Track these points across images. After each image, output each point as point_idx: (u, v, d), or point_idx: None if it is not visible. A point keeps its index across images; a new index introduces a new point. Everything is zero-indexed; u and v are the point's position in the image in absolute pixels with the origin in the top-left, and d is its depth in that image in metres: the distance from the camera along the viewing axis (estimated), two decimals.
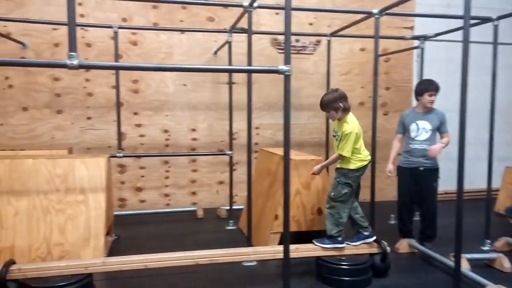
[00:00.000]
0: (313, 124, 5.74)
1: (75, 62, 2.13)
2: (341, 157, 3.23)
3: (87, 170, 3.52)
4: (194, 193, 5.51)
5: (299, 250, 3.15)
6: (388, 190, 5.52)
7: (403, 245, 3.84)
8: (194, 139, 5.46)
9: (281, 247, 2.88)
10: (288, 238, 2.65)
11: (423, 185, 3.75)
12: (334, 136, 3.34)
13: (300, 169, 3.66)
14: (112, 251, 3.76)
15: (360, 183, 3.39)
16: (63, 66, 2.15)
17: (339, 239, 3.24)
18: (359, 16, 4.07)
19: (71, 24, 2.12)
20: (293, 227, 3.51)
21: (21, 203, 3.33)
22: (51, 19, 4.67)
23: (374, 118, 3.64)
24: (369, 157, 3.35)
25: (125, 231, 4.37)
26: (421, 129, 3.74)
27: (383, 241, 3.28)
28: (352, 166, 3.23)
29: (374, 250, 3.28)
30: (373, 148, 3.64)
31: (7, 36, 4.59)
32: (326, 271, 3.12)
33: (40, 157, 3.54)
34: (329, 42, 5.21)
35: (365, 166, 3.29)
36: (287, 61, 2.45)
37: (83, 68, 2.24)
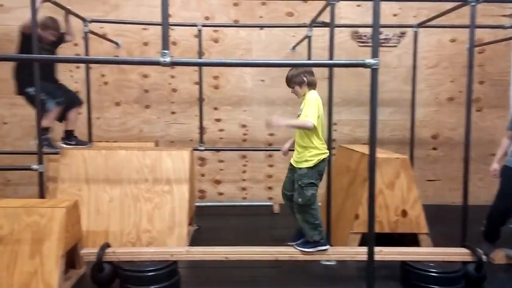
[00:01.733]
0: (396, 121, 5.51)
1: (167, 59, 2.25)
2: (310, 125, 2.85)
3: (172, 162, 3.71)
4: (270, 188, 5.56)
5: (382, 253, 3.02)
6: (480, 193, 5.12)
7: (499, 256, 3.47)
8: (271, 134, 5.51)
9: (363, 249, 2.81)
10: (373, 240, 2.57)
11: None
12: (299, 115, 3.04)
13: (383, 168, 3.52)
14: (194, 240, 3.92)
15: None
16: (156, 63, 2.28)
17: (322, 241, 3.04)
18: (450, 5, 3.80)
19: (165, 24, 2.24)
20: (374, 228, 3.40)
21: (114, 191, 3.60)
22: (142, 19, 4.99)
23: (468, 114, 3.31)
24: (327, 151, 3.08)
25: (205, 222, 4.53)
26: None
27: (478, 249, 3.02)
28: (310, 163, 2.97)
29: (468, 258, 3.02)
30: (466, 147, 3.37)
31: (103, 37, 4.98)
32: (413, 278, 2.93)
33: (131, 148, 3.79)
34: (415, 34, 4.95)
35: (324, 160, 3.03)
36: (374, 54, 2.36)
37: (174, 65, 2.36)
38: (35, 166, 3.60)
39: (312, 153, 2.98)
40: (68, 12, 4.19)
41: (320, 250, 3.03)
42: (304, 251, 3.03)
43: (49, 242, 2.69)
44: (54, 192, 3.82)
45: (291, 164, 3.15)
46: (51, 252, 2.68)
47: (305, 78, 3.02)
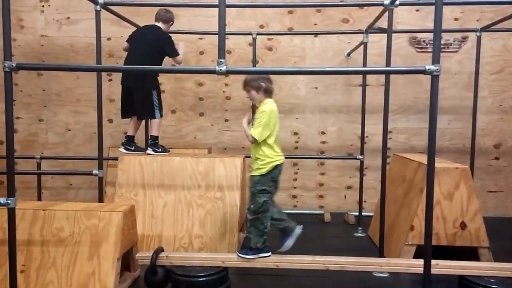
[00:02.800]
0: (455, 129, 5.24)
1: (223, 68, 2.29)
2: (252, 139, 2.93)
3: (225, 169, 3.76)
4: (321, 196, 5.48)
5: (439, 266, 2.88)
6: None
7: None
8: (323, 142, 5.43)
9: (418, 261, 2.73)
10: (430, 252, 2.45)
11: None
12: (253, 125, 3.01)
13: (442, 178, 3.35)
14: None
15: (278, 186, 3.09)
16: (213, 72, 2.32)
17: (265, 248, 3.04)
18: None
19: (221, 34, 2.27)
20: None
21: (169, 196, 3.69)
22: (198, 29, 5.12)
23: None
24: (282, 157, 3.02)
25: None
26: None
27: None
28: (262, 171, 2.97)
29: None
30: None
31: None
32: None
33: (185, 155, 3.89)
34: (478, 38, 4.69)
35: (277, 166, 2.99)
36: (435, 61, 2.26)
37: (229, 73, 2.40)
38: (95, 172, 3.79)
39: (264, 162, 3.00)
40: (129, 22, 4.39)
41: (261, 257, 3.04)
42: (246, 257, 3.03)
43: (107, 245, 2.80)
44: (112, 196, 3.98)
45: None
46: (108, 254, 2.79)
47: (262, 84, 3.00)
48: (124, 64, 4.09)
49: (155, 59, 4.02)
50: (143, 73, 3.95)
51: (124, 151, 4.06)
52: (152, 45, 4.02)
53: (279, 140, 3.13)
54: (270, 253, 3.08)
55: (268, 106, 3.01)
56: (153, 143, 4.06)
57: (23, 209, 2.86)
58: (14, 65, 2.35)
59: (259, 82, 3.01)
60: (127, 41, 4.20)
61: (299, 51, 5.35)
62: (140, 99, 4.04)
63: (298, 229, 3.13)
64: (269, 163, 3.00)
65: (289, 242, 3.10)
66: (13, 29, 2.39)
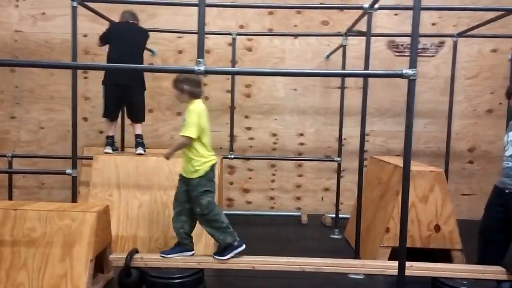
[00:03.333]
0: (431, 133, 5.34)
1: (202, 68, 2.26)
2: (186, 140, 2.92)
3: None
4: (298, 198, 5.50)
5: (413, 268, 2.91)
6: None
7: None
8: (302, 143, 5.45)
9: (393, 263, 2.76)
10: (405, 254, 2.48)
11: (508, 213, 2.97)
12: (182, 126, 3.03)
13: (417, 181, 3.40)
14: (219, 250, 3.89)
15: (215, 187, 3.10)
16: (191, 72, 2.30)
17: (236, 243, 3.00)
18: (493, 14, 3.66)
19: (201, 33, 2.25)
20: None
21: (144, 197, 3.63)
22: (177, 28, 5.06)
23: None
24: (215, 157, 3.06)
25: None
26: (509, 141, 3.04)
27: None
28: (200, 172, 2.96)
29: (503, 276, 2.90)
30: None
31: None
32: None
33: (162, 155, 3.82)
34: (455, 43, 4.80)
35: (213, 166, 3.03)
36: (412, 65, 2.29)
37: (208, 73, 2.37)
38: (69, 171, 3.70)
39: (199, 162, 2.98)
40: (106, 19, 4.31)
41: (238, 253, 3.00)
42: (222, 259, 2.98)
43: (79, 246, 2.73)
44: (86, 196, 3.90)
45: (181, 175, 3.09)
46: (81, 255, 2.72)
47: (186, 87, 3.00)
48: (109, 63, 3.99)
49: (142, 57, 3.99)
50: (139, 73, 3.97)
51: (111, 151, 3.96)
52: (141, 45, 4.09)
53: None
54: (244, 246, 3.05)
55: (194, 105, 3.01)
56: (142, 141, 4.03)
57: None
58: None
59: (182, 84, 3.01)
60: (102, 38, 4.10)
61: (279, 52, 5.35)
62: (137, 100, 4.05)
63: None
64: (205, 163, 2.99)
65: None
66: None
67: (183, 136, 2.94)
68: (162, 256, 3.00)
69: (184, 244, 3.07)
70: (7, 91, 5.40)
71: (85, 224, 2.78)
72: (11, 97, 5.40)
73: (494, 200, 3.06)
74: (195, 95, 3.04)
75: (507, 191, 2.94)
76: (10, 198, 4.89)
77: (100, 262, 3.05)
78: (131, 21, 4.14)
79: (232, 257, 3.00)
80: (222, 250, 3.03)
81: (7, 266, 2.71)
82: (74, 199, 3.69)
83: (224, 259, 2.99)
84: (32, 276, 2.69)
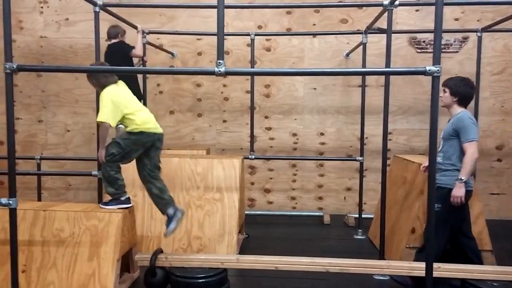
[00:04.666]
0: None
1: (222, 69, 2.27)
2: (104, 125, 3.02)
3: (223, 170, 3.74)
4: (320, 198, 5.47)
5: (441, 269, 2.86)
6: None
7: None
8: (322, 143, 5.42)
9: (420, 264, 2.71)
10: (432, 255, 2.43)
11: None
12: None
13: None
14: (243, 248, 3.91)
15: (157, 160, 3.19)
16: (212, 73, 2.31)
17: (122, 199, 3.06)
18: None
19: (220, 34, 2.26)
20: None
21: None
22: (196, 30, 5.11)
23: None
24: (151, 129, 3.12)
25: (254, 230, 4.51)
26: (441, 137, 3.10)
27: None
28: (128, 128, 3.10)
29: None
30: None
31: (160, 47, 5.15)
32: None
33: (184, 156, 3.87)
34: (479, 39, 4.68)
35: (142, 133, 3.08)
36: (436, 61, 2.25)
37: (228, 74, 2.38)
38: (94, 172, 3.77)
39: (130, 128, 3.11)
40: (127, 23, 4.39)
41: (121, 208, 3.02)
42: (106, 208, 3.01)
43: (106, 246, 2.79)
44: None
45: None
46: (108, 255, 2.78)
47: (93, 81, 3.13)
48: None
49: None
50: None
51: None
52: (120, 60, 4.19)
53: (151, 114, 3.23)
54: (131, 205, 3.11)
55: (104, 92, 3.08)
56: None
57: (24, 209, 2.86)
58: (14, 66, 2.35)
59: (91, 79, 3.14)
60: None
61: (298, 51, 5.34)
62: None
63: (179, 214, 3.13)
64: (137, 125, 3.09)
65: (172, 226, 3.11)
66: (13, 31, 2.38)
67: (99, 122, 3.06)
68: (101, 207, 3.05)
69: (168, 215, 3.13)
70: (34, 96, 5.55)
71: (111, 224, 2.84)
72: (38, 101, 5.55)
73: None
74: (103, 85, 3.12)
75: (436, 185, 2.91)
76: (39, 199, 5.03)
77: (126, 262, 3.12)
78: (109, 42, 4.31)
79: (115, 208, 3.01)
80: (107, 201, 3.11)
81: (38, 266, 2.79)
82: (100, 200, 3.76)
83: (107, 208, 3.01)
84: (62, 275, 2.77)
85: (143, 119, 3.15)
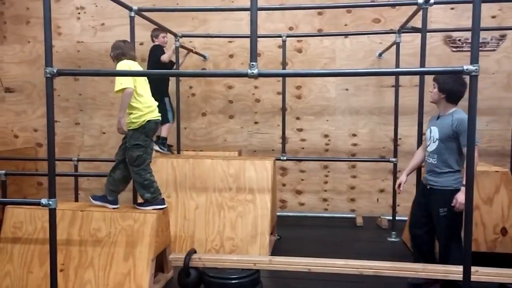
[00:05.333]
0: (493, 131, 5.06)
1: (255, 71, 2.29)
2: (124, 94, 2.98)
3: (255, 172, 3.76)
4: (353, 199, 5.40)
5: (478, 273, 2.78)
6: None
7: None
8: (355, 144, 5.35)
9: (456, 267, 2.65)
10: (470, 258, 2.36)
11: (432, 209, 2.96)
12: None
13: (481, 181, 3.25)
14: (275, 250, 3.91)
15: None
16: (245, 75, 2.33)
17: (155, 200, 3.09)
18: None
19: (253, 37, 2.27)
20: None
21: (200, 198, 3.73)
22: (227, 33, 5.16)
23: None
24: (153, 113, 3.11)
25: (286, 232, 4.50)
26: (432, 137, 2.98)
27: None
28: (135, 125, 3.05)
29: None
30: None
31: (192, 50, 5.22)
32: None
33: (217, 157, 3.92)
34: None
35: (150, 121, 3.07)
36: (474, 60, 2.18)
37: (261, 76, 2.38)
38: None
39: (135, 115, 3.06)
40: (162, 28, 4.49)
41: (156, 209, 3.05)
42: (141, 209, 3.07)
43: (141, 246, 2.85)
44: None
45: None
46: (143, 255, 2.84)
47: (111, 54, 3.17)
48: None
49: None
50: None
51: (157, 149, 4.39)
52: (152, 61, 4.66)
53: (151, 98, 3.21)
54: (164, 206, 3.12)
55: (120, 62, 3.10)
56: (162, 142, 4.63)
57: (62, 210, 2.96)
58: (55, 71, 2.44)
59: (111, 52, 3.19)
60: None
61: (329, 52, 5.30)
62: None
63: (109, 205, 3.11)
64: (140, 117, 3.06)
65: (96, 202, 3.12)
66: (52, 36, 2.48)
67: (117, 92, 3.02)
68: (137, 208, 3.10)
69: (112, 192, 3.15)
70: (72, 99, 5.75)
71: (146, 224, 2.90)
72: (75, 104, 5.75)
73: (419, 196, 3.17)
74: (118, 57, 3.15)
75: (428, 187, 2.99)
76: (76, 199, 5.19)
77: (160, 262, 3.18)
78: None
79: (151, 210, 3.04)
80: (142, 203, 3.14)
81: (75, 265, 2.88)
82: (135, 201, 3.85)
83: (142, 209, 3.06)
84: (98, 274, 2.84)
85: (149, 104, 3.17)
